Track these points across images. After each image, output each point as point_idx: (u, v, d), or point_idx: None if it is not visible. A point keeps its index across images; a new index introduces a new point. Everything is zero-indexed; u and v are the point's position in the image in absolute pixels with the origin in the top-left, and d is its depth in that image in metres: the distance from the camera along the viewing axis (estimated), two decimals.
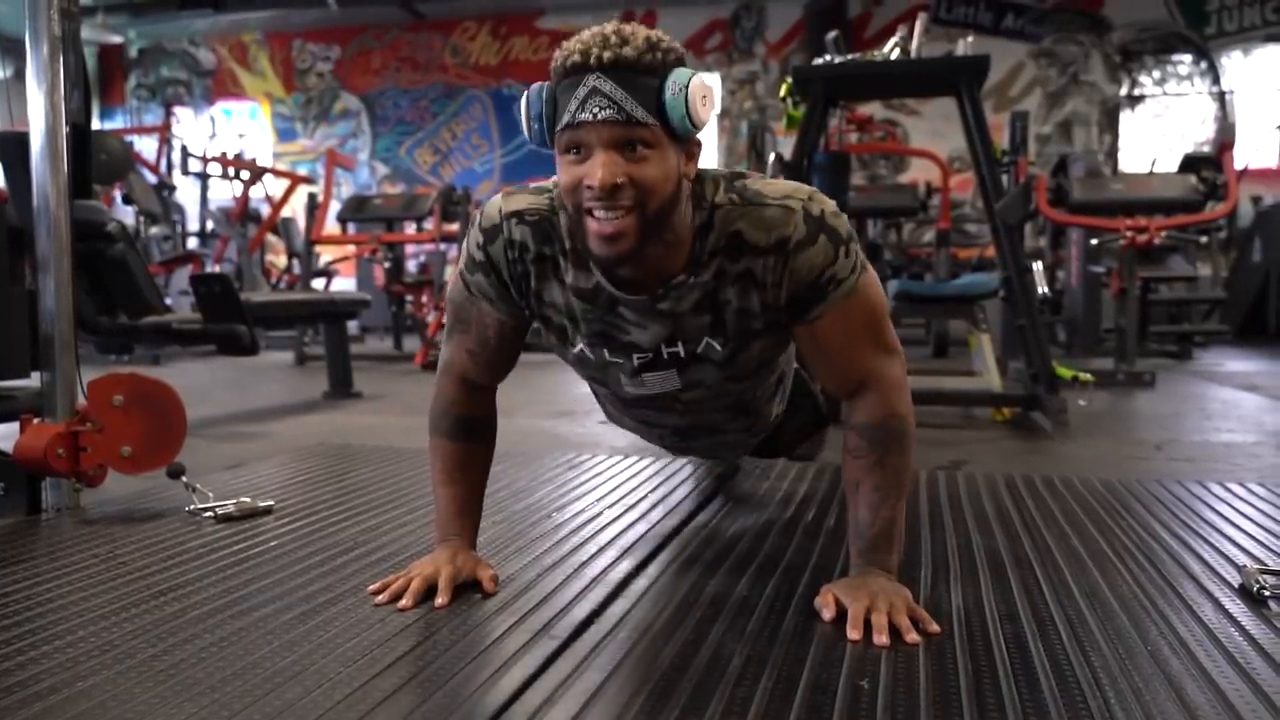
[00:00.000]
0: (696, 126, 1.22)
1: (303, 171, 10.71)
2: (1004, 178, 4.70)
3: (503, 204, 1.41)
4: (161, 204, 8.68)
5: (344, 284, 9.89)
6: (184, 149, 9.22)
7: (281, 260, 9.97)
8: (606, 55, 1.17)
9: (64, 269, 2.05)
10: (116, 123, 13.24)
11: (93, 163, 2.91)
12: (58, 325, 2.06)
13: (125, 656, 1.20)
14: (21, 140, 2.07)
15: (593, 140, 1.19)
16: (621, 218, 1.21)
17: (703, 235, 1.32)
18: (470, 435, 1.51)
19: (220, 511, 1.93)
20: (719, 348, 1.40)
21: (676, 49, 1.24)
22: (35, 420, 2.05)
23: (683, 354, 1.42)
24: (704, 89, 1.21)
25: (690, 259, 1.32)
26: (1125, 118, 10.59)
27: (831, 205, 1.34)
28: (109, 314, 3.34)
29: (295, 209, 9.15)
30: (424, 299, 7.25)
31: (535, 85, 1.26)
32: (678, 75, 1.20)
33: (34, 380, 2.13)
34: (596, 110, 1.17)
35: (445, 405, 1.51)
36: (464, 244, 1.45)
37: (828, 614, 1.32)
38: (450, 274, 1.59)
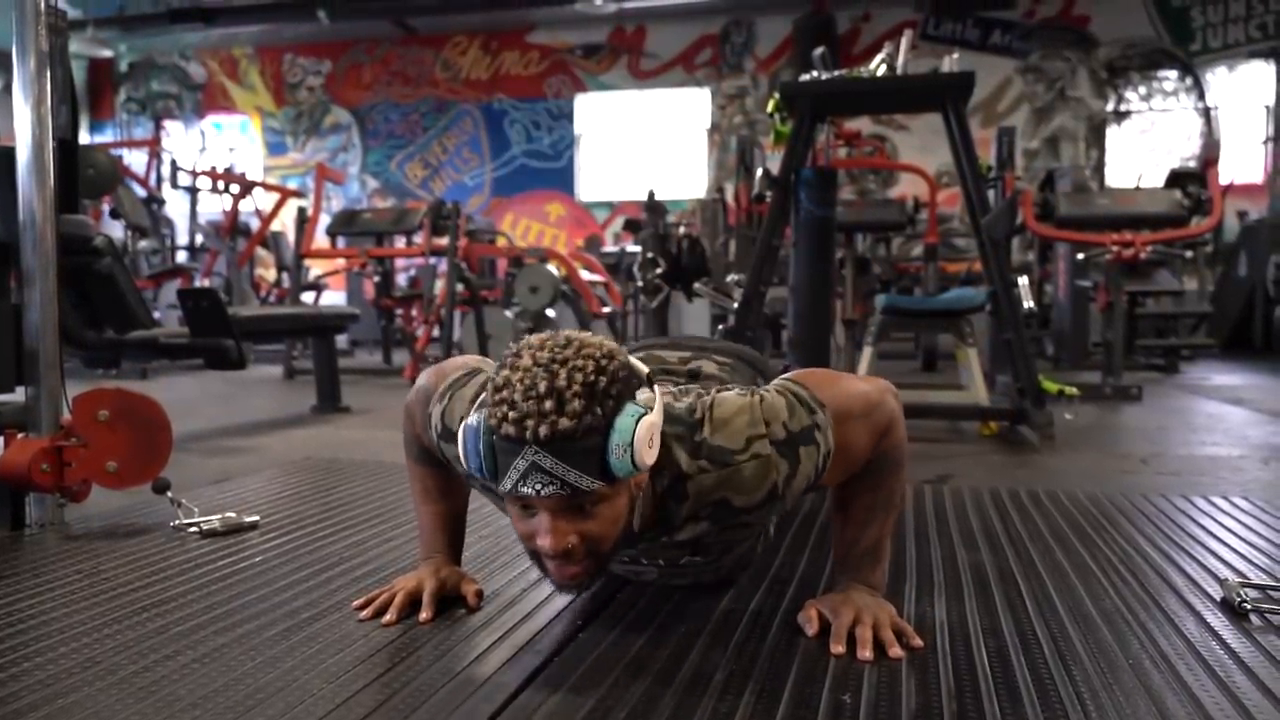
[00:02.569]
0: (643, 469, 1.13)
1: (293, 185, 10.70)
2: (990, 193, 4.73)
3: (467, 418, 1.29)
4: (151, 218, 8.67)
5: (334, 298, 9.87)
6: (174, 163, 9.19)
7: (271, 274, 9.95)
8: (543, 431, 1.06)
9: (49, 283, 2.05)
10: (106, 136, 13.21)
11: (79, 177, 2.91)
12: (43, 340, 2.05)
13: (106, 673, 1.19)
14: (8, 154, 2.07)
15: (539, 505, 1.13)
16: (575, 565, 1.17)
17: (672, 500, 1.24)
18: (441, 461, 1.50)
19: (205, 527, 1.93)
20: (700, 559, 1.40)
21: (618, 383, 1.11)
22: (20, 435, 2.04)
23: (662, 562, 1.42)
24: (649, 432, 1.11)
25: (658, 519, 1.26)
26: (1112, 133, 10.66)
27: (780, 404, 1.25)
28: (95, 328, 3.33)
29: (285, 223, 9.14)
30: (414, 313, 7.24)
31: (473, 422, 1.14)
32: (621, 430, 1.09)
33: (19, 395, 2.12)
34: (539, 487, 1.10)
35: (413, 435, 1.51)
36: (439, 403, 1.36)
37: (811, 629, 1.32)
38: (424, 378, 1.46)
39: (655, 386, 1.18)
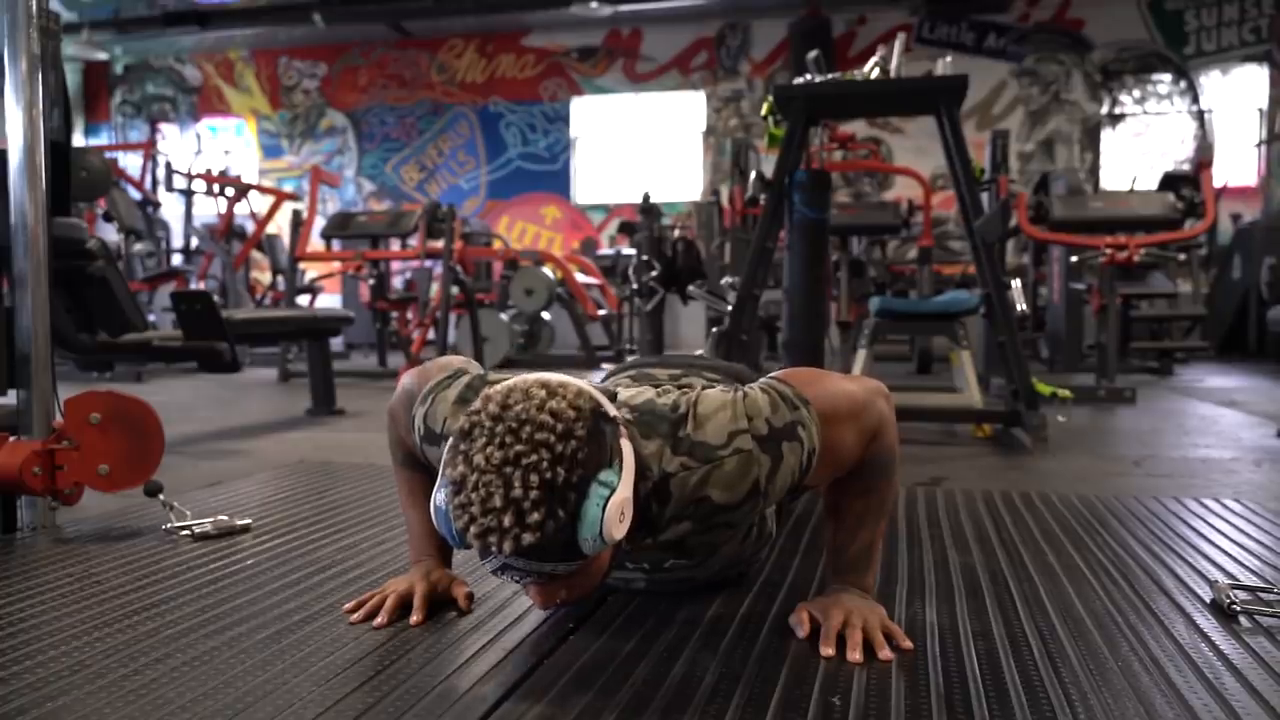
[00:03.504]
0: (615, 541, 1.10)
1: (288, 188, 10.70)
2: (984, 196, 4.74)
3: (450, 421, 1.31)
4: (146, 221, 8.65)
5: (329, 300, 9.87)
6: (169, 165, 9.19)
7: (266, 277, 9.94)
8: (506, 547, 1.03)
9: (41, 286, 2.05)
10: (102, 139, 13.20)
11: (72, 180, 2.90)
12: (35, 343, 2.05)
13: (97, 676, 1.19)
14: (0, 157, 2.07)
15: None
16: (563, 600, 1.18)
17: (656, 502, 1.23)
18: (426, 465, 1.50)
19: (197, 530, 1.93)
20: (686, 561, 1.40)
21: (579, 466, 1.05)
22: (11, 438, 2.03)
23: (647, 566, 1.42)
24: (618, 510, 1.07)
25: (643, 523, 1.23)
26: (1106, 136, 10.69)
27: (763, 400, 1.24)
28: (89, 331, 3.33)
29: (280, 226, 9.13)
30: (409, 316, 7.23)
31: (441, 505, 1.11)
32: (589, 522, 1.05)
33: (10, 398, 2.12)
34: (516, 578, 1.11)
35: (397, 439, 1.51)
36: (421, 405, 1.35)
37: (802, 631, 1.33)
38: (407, 382, 1.46)
39: (623, 441, 1.12)
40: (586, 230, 11.68)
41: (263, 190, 9.27)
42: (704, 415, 1.24)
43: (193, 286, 8.02)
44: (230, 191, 8.75)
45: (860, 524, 1.36)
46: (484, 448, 1.05)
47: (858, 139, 5.01)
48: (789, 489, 1.26)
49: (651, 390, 1.32)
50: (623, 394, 1.29)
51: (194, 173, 9.00)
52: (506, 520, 1.02)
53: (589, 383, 1.20)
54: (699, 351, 3.69)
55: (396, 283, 9.11)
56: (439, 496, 1.12)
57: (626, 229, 8.05)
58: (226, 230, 8.63)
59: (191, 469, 3.07)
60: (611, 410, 1.13)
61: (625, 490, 1.08)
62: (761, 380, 1.31)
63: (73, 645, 1.30)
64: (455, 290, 6.44)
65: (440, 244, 6.56)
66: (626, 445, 1.12)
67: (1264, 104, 10.21)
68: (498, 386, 1.11)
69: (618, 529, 1.08)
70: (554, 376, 1.14)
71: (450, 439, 1.10)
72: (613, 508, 1.06)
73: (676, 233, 6.84)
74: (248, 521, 1.99)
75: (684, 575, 1.48)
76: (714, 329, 3.89)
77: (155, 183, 9.98)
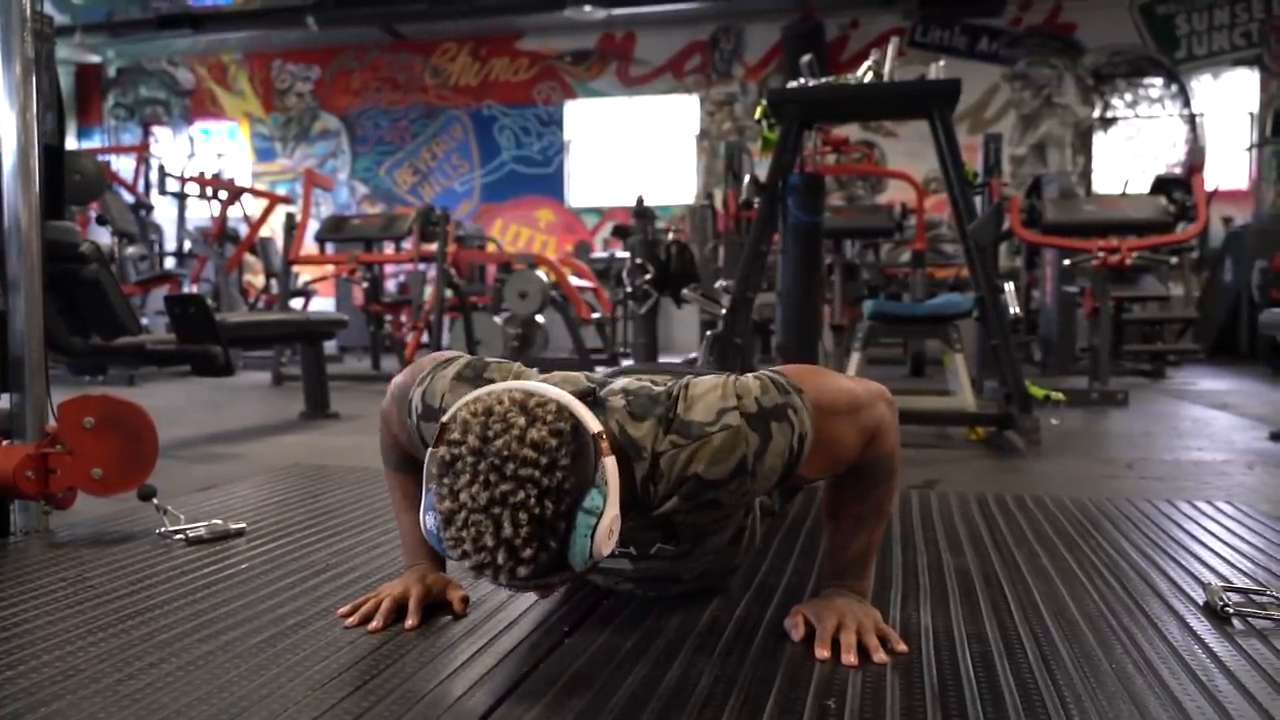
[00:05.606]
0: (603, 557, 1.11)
1: (281, 191, 10.68)
2: (977, 199, 4.75)
3: (448, 396, 1.30)
4: (139, 224, 8.64)
5: (322, 304, 9.85)
6: (162, 169, 9.16)
7: (260, 280, 9.92)
8: (503, 579, 1.05)
9: (34, 290, 2.04)
10: (94, 142, 13.17)
11: (65, 183, 2.90)
12: (28, 346, 2.04)
13: (90, 681, 1.19)
14: None
15: None
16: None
17: (648, 485, 1.23)
18: (418, 468, 1.50)
19: (191, 534, 1.92)
20: (673, 548, 1.40)
21: (566, 496, 1.05)
22: (4, 442, 2.03)
23: (634, 552, 1.42)
24: (607, 531, 1.08)
25: (637, 504, 1.23)
26: (1098, 140, 10.73)
27: (754, 384, 1.24)
28: (82, 335, 3.32)
29: (274, 229, 9.12)
30: (403, 319, 7.23)
31: (432, 527, 1.11)
32: (580, 550, 1.06)
33: (4, 402, 2.11)
34: (514, 592, 1.14)
35: (390, 443, 1.51)
36: (419, 386, 1.35)
37: (797, 634, 1.33)
38: (401, 378, 1.47)
39: (606, 458, 1.10)
40: (580, 233, 11.69)
41: (256, 193, 9.26)
42: (695, 396, 1.24)
43: (186, 290, 8.00)
44: (224, 195, 8.73)
45: (858, 527, 1.36)
46: (469, 485, 1.04)
47: (851, 142, 5.03)
48: (780, 475, 1.25)
49: (647, 380, 1.32)
50: (616, 383, 1.29)
51: (187, 176, 8.98)
52: (500, 557, 1.03)
53: (564, 388, 1.20)
54: (693, 355, 3.69)
55: (390, 286, 9.11)
56: (428, 519, 1.12)
57: (620, 232, 8.05)
58: (220, 233, 8.61)
59: (185, 473, 3.06)
60: (593, 425, 1.11)
61: (612, 508, 1.08)
62: (756, 371, 1.32)
63: (66, 650, 1.29)
64: (449, 293, 6.43)
65: (434, 247, 6.55)
66: (609, 462, 1.10)
67: (1255, 108, 10.26)
68: (471, 408, 1.09)
69: (607, 546, 1.09)
70: (533, 390, 1.11)
71: (434, 462, 1.09)
72: (601, 532, 1.07)
73: (670, 236, 6.84)
74: (242, 525, 1.99)
75: (668, 570, 1.46)
76: (708, 332, 3.89)
77: (148, 186, 9.96)
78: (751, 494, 1.30)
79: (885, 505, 1.37)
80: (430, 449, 1.11)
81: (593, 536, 1.06)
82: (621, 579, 1.52)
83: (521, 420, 1.06)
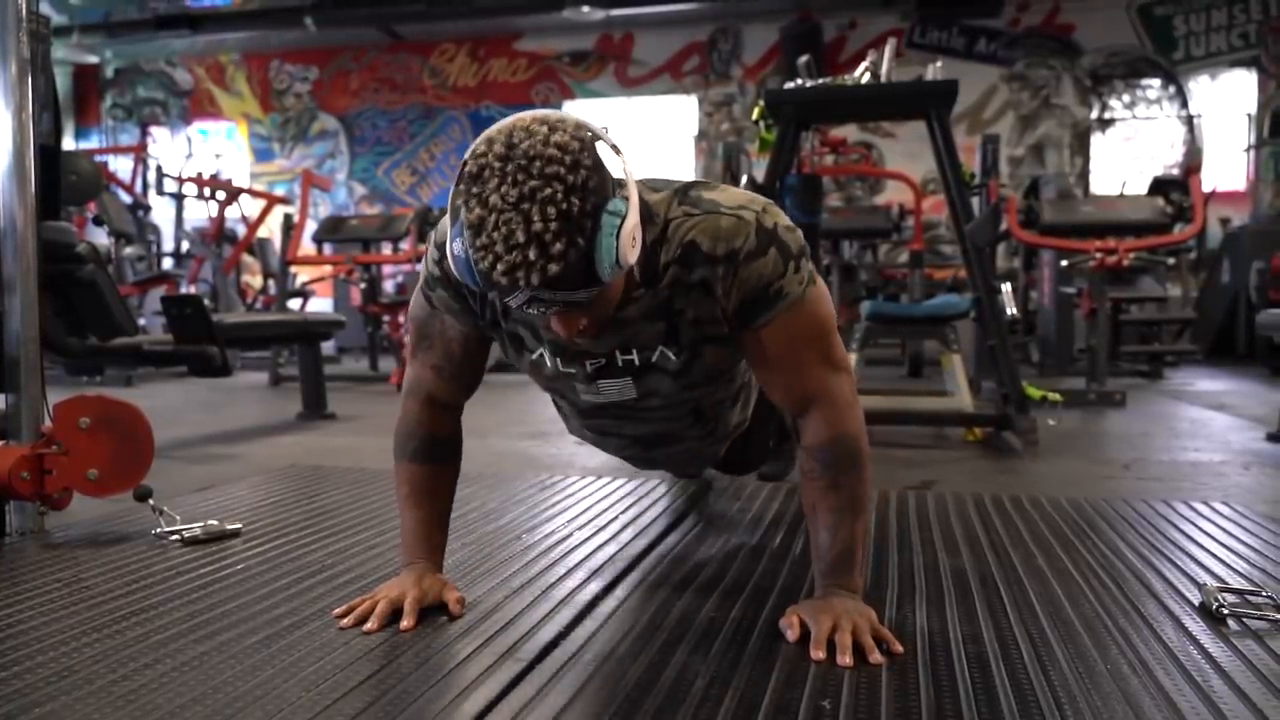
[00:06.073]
0: (629, 265, 1.16)
1: (279, 192, 10.68)
2: (975, 200, 4.75)
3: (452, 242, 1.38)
4: (136, 224, 8.63)
5: (320, 304, 9.85)
6: (159, 169, 9.16)
7: (257, 281, 9.92)
8: (534, 279, 1.08)
9: (30, 290, 2.04)
10: (92, 142, 13.16)
11: (62, 183, 2.89)
12: (23, 347, 2.04)
13: (84, 682, 1.18)
14: None
15: None
16: (582, 329, 1.24)
17: (657, 249, 1.31)
18: (436, 457, 1.51)
19: (187, 534, 1.92)
20: (673, 357, 1.41)
21: (591, 195, 1.10)
22: (0, 442, 2.03)
23: (637, 362, 1.43)
24: (631, 235, 1.14)
25: (646, 274, 1.32)
26: (1096, 141, 10.74)
27: (785, 220, 1.33)
28: (78, 335, 3.31)
29: (271, 229, 9.12)
30: (400, 319, 7.22)
31: (459, 253, 1.14)
32: (606, 249, 1.11)
33: None
34: (541, 309, 1.16)
35: (412, 426, 1.51)
36: (424, 262, 1.44)
37: (792, 635, 1.33)
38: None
39: (624, 167, 1.17)
40: None
41: (254, 194, 9.25)
42: (722, 189, 1.34)
43: (184, 290, 8.00)
44: (221, 195, 8.73)
45: (837, 522, 1.36)
46: (498, 187, 1.09)
47: (849, 143, 5.03)
48: (753, 296, 1.30)
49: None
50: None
51: (185, 176, 8.98)
52: (531, 254, 1.07)
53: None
54: None
55: (388, 287, 9.10)
56: (455, 245, 1.15)
57: None
58: (217, 234, 8.61)
59: (181, 473, 3.06)
60: (611, 137, 1.18)
61: (634, 216, 1.15)
62: None
63: (60, 651, 1.29)
64: None
65: None
66: (628, 173, 1.18)
67: (1252, 109, 10.27)
68: (495, 127, 1.15)
69: (631, 254, 1.15)
70: (551, 111, 1.18)
71: (459, 184, 1.14)
72: (625, 234, 1.13)
73: None
74: (238, 526, 1.99)
75: (670, 395, 1.48)
76: None
77: (146, 186, 9.96)
78: (733, 306, 1.33)
79: (859, 496, 1.37)
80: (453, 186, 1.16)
81: (618, 236, 1.11)
82: (626, 416, 1.56)
83: (544, 129, 1.12)
